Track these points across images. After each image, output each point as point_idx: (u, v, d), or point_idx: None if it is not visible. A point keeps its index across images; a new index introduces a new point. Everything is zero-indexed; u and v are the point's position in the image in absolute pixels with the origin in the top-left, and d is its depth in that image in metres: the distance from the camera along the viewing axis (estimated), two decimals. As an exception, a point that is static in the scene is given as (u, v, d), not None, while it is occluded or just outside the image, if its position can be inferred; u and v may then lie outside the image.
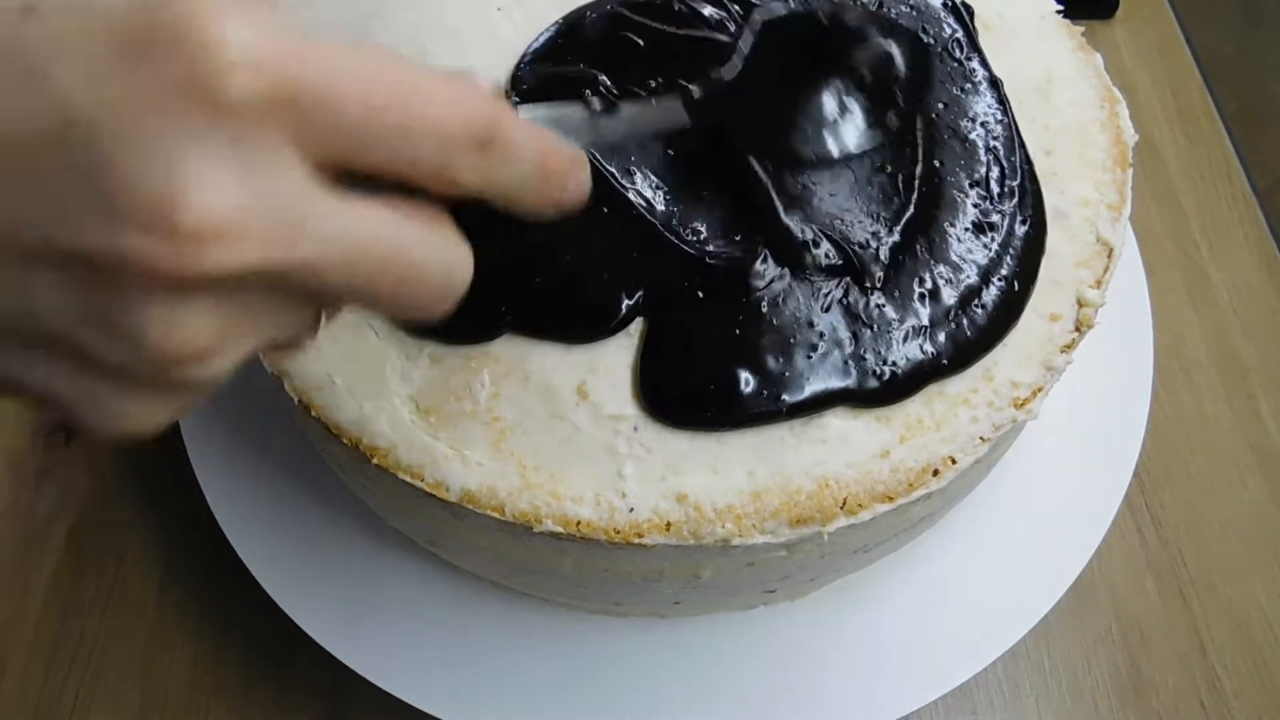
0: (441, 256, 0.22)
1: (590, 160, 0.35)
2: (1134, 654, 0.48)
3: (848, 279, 0.35)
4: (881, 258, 0.35)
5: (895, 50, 0.36)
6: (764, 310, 0.34)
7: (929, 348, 0.34)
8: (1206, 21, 0.71)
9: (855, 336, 0.34)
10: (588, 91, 0.36)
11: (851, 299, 0.34)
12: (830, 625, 0.43)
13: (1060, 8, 0.43)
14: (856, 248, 0.35)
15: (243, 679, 0.47)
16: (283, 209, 0.19)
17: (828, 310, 0.34)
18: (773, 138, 0.35)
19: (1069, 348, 0.35)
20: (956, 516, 0.44)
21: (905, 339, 0.34)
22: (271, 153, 0.19)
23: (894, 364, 0.34)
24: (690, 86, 0.33)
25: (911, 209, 0.36)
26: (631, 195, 0.35)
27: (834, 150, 0.36)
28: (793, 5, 0.37)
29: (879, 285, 0.35)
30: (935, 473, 0.33)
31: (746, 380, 0.33)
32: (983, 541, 0.45)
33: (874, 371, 0.34)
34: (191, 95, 0.18)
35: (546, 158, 0.23)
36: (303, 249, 0.19)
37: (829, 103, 0.36)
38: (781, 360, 0.33)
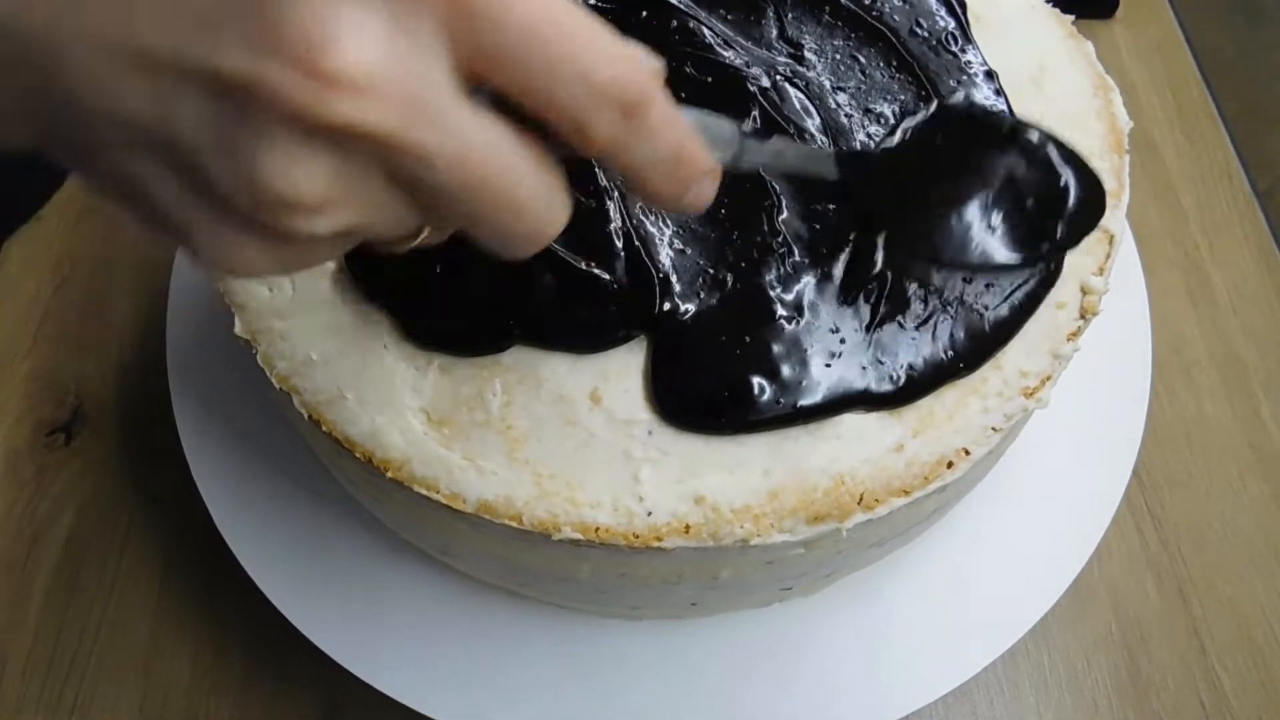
0: (547, 196, 0.23)
1: None
2: (1134, 654, 0.48)
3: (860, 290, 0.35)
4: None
5: (1071, 182, 0.34)
6: (776, 317, 0.34)
7: (947, 349, 0.34)
8: (1206, 21, 0.71)
9: (871, 342, 0.34)
10: (751, 115, 0.36)
11: (865, 306, 0.34)
12: (836, 622, 0.43)
13: None
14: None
15: (243, 679, 0.47)
16: (419, 89, 0.20)
17: (842, 317, 0.34)
18: (913, 227, 0.34)
19: (1075, 335, 0.36)
20: (957, 516, 0.44)
21: (922, 344, 0.34)
22: (427, 38, 0.20)
23: (911, 368, 0.34)
24: (843, 148, 0.32)
25: None
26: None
27: (971, 256, 0.33)
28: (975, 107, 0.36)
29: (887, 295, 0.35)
30: (949, 465, 0.34)
31: (761, 386, 0.33)
32: (984, 540, 0.45)
33: (890, 376, 0.34)
34: None
35: (684, 149, 0.24)
36: (423, 134, 0.20)
37: (978, 210, 0.33)
38: (797, 367, 0.33)
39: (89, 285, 0.59)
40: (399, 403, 0.34)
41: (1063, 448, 0.46)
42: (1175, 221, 0.61)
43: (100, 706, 0.47)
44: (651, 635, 0.43)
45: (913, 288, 0.35)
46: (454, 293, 0.34)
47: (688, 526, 0.32)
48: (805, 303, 0.34)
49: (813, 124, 0.37)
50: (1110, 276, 0.37)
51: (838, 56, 0.39)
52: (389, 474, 0.33)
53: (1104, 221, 0.37)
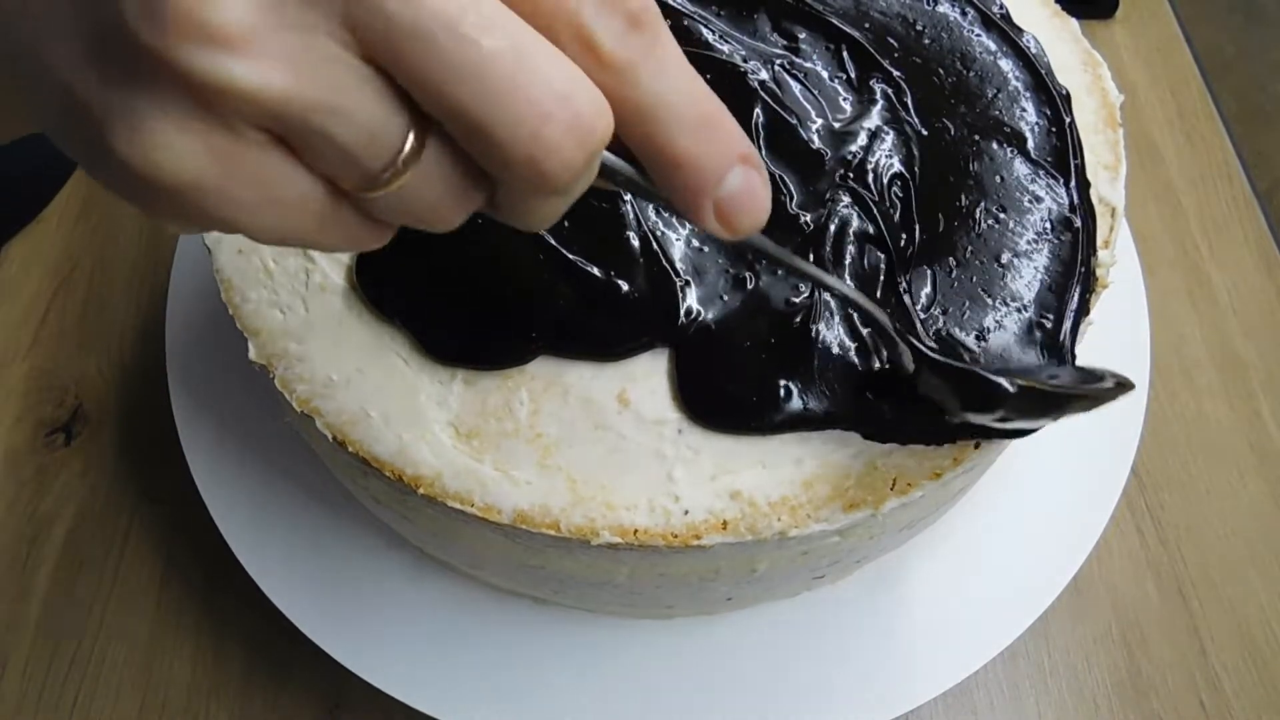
0: (570, 77, 0.19)
1: None
2: (1134, 654, 0.48)
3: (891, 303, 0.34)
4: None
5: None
6: (801, 316, 0.34)
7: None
8: (1206, 21, 0.71)
9: (896, 357, 0.34)
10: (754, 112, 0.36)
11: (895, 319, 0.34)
12: (842, 620, 0.43)
13: None
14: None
15: (243, 679, 0.47)
16: (300, 50, 0.17)
17: (866, 328, 0.34)
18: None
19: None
20: (955, 515, 0.44)
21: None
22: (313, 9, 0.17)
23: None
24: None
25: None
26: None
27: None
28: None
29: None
30: (976, 445, 0.34)
31: (788, 389, 0.33)
32: (984, 538, 0.45)
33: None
34: None
35: (705, 103, 0.20)
36: (309, 94, 0.18)
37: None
38: (825, 369, 0.33)
39: (89, 285, 0.59)
40: (425, 418, 0.33)
41: (1061, 447, 0.46)
42: (1175, 221, 0.61)
43: (100, 706, 0.47)
44: (649, 633, 0.43)
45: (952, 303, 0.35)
46: (471, 307, 0.34)
47: (725, 523, 0.32)
48: (829, 317, 0.34)
49: (814, 112, 0.37)
50: (1115, 249, 0.37)
51: (832, 46, 0.39)
52: (420, 490, 0.33)
53: (1105, 194, 0.38)
